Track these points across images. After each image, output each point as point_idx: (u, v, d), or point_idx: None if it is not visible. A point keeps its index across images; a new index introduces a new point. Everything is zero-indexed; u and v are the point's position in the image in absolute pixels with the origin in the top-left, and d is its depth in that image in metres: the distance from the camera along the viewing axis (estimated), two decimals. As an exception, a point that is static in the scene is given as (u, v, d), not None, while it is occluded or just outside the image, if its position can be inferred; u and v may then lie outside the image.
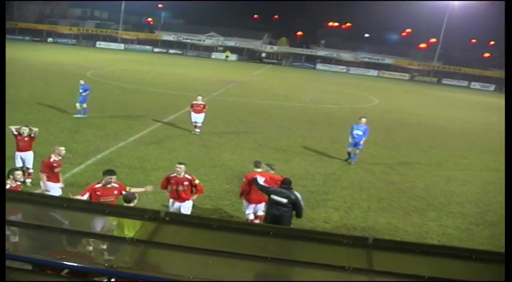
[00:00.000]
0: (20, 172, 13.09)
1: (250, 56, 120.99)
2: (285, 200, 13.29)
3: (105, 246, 7.50)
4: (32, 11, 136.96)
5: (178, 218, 8.00)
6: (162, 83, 51.54)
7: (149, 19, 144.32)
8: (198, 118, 28.39)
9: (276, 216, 13.18)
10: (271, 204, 13.43)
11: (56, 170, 15.30)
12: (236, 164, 22.25)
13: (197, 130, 28.27)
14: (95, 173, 18.92)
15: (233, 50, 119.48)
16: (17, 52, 76.94)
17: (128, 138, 25.20)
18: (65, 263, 6.60)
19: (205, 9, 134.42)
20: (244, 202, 15.24)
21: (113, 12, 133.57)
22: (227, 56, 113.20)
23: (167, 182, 14.58)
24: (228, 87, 54.58)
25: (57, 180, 15.35)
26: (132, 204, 11.44)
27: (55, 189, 14.81)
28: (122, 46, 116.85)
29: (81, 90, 30.60)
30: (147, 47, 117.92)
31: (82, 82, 31.16)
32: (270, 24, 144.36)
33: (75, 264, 6.56)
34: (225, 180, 19.68)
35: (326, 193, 19.67)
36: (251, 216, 14.99)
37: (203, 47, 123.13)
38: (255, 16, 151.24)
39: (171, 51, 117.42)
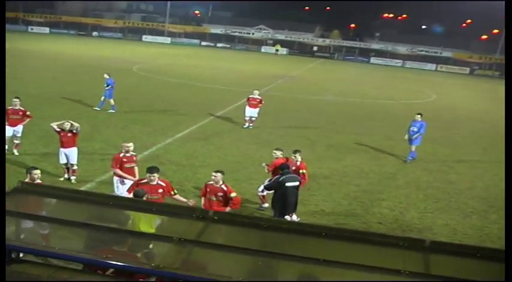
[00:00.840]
0: (38, 171, 12.90)
1: (301, 50, 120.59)
2: (297, 183, 14.72)
3: (152, 246, 7.59)
4: (77, 4, 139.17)
5: (227, 218, 8.03)
6: (210, 78, 51.83)
7: (196, 12, 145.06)
8: (252, 112, 28.78)
9: (295, 201, 14.68)
10: (288, 192, 14.38)
11: (127, 166, 15.28)
12: (286, 162, 22.25)
13: (250, 124, 28.71)
14: (140, 170, 19.12)
15: (283, 43, 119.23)
16: (61, 46, 78.47)
17: (175, 135, 25.46)
18: (111, 262, 6.71)
19: (254, 2, 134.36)
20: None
21: (159, 4, 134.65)
22: (277, 50, 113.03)
23: (205, 190, 13.74)
24: (278, 82, 54.56)
25: (133, 176, 15.29)
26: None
27: (128, 185, 14.71)
28: (168, 40, 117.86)
29: (105, 84, 31.05)
30: (195, 41, 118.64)
31: (106, 76, 31.52)
32: (321, 16, 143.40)
33: (122, 264, 6.67)
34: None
35: (380, 192, 19.53)
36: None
37: (252, 41, 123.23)
38: (306, 8, 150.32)
39: (219, 44, 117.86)
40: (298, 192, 14.90)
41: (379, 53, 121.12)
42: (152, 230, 7.80)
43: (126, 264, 6.65)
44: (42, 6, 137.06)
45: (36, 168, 13.12)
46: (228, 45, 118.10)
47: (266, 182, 15.49)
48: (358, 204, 17.97)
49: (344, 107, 41.53)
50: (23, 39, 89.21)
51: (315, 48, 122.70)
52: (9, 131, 19.96)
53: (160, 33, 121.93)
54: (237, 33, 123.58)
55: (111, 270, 7.13)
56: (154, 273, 6.44)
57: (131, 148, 15.55)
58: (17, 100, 20.42)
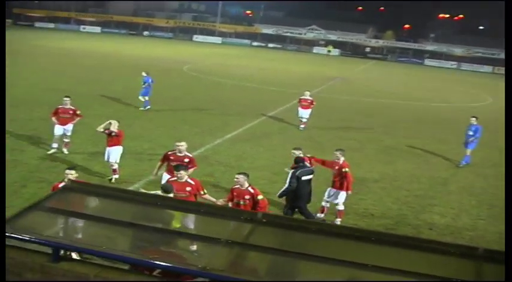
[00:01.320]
0: (73, 172, 12.71)
1: (353, 51, 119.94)
2: (311, 176, 15.47)
3: (199, 247, 7.65)
4: (129, 4, 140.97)
5: (275, 220, 8.04)
6: (260, 79, 51.93)
7: (248, 11, 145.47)
8: (304, 113, 28.94)
9: (307, 193, 15.31)
10: (304, 185, 15.06)
11: (173, 164, 15.32)
12: (336, 165, 22.14)
13: (302, 126, 28.74)
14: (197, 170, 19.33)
15: (335, 44, 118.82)
16: (113, 46, 79.61)
17: (224, 135, 25.58)
18: (158, 262, 6.79)
19: (307, 2, 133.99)
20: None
21: (210, 4, 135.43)
22: (329, 51, 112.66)
23: (232, 195, 13.33)
24: (330, 83, 54.37)
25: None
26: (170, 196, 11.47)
27: None
28: (219, 39, 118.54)
29: (142, 82, 31.48)
30: (246, 41, 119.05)
31: (144, 74, 31.94)
32: (375, 16, 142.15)
33: (168, 265, 6.74)
34: (324, 181, 19.59)
35: (432, 198, 19.30)
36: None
37: (304, 41, 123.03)
38: (359, 8, 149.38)
39: (270, 45, 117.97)
40: (311, 185, 15.50)
41: (434, 55, 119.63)
42: (200, 232, 7.85)
43: (172, 265, 6.71)
44: (94, 6, 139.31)
45: (72, 169, 13.06)
46: (280, 46, 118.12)
47: (284, 188, 15.40)
48: (409, 209, 17.79)
49: (396, 109, 41.14)
50: (74, 38, 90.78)
51: (368, 49, 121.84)
52: (59, 129, 20.33)
53: (211, 33, 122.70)
54: (288, 34, 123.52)
55: (158, 270, 7.22)
56: (200, 274, 6.48)
57: (182, 148, 15.47)
58: (68, 99, 20.78)
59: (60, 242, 7.18)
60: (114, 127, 18.04)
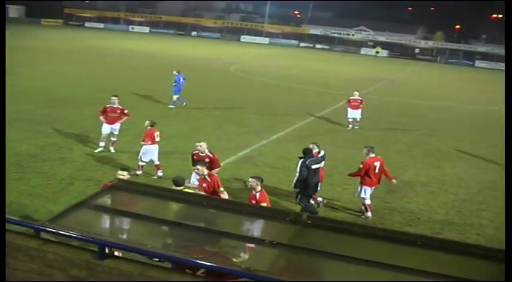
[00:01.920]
0: (125, 173, 12.56)
1: (402, 52, 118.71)
2: (320, 165, 16.15)
3: (243, 248, 7.68)
4: (177, 4, 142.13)
5: (320, 222, 8.02)
6: (307, 80, 51.84)
7: (296, 12, 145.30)
8: (355, 114, 29.01)
9: (317, 182, 15.95)
10: (313, 174, 15.60)
11: None
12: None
13: (353, 126, 29.16)
14: (234, 170, 19.37)
15: (384, 45, 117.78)
16: (161, 46, 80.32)
17: (270, 136, 25.60)
18: (202, 262, 6.83)
19: (355, 2, 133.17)
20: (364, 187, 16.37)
21: (258, 4, 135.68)
22: (377, 52, 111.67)
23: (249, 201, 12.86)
24: (377, 85, 53.98)
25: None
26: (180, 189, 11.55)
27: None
28: (266, 40, 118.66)
29: (173, 81, 31.82)
30: (293, 42, 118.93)
31: (175, 73, 32.18)
32: (425, 17, 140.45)
33: (212, 264, 6.78)
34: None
35: (480, 203, 18.98)
36: (368, 201, 16.37)
37: (351, 42, 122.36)
38: (409, 8, 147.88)
39: (318, 46, 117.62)
40: (319, 174, 16.17)
41: (485, 56, 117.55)
42: (244, 232, 7.87)
43: (216, 265, 6.74)
44: (143, 7, 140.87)
45: (125, 169, 13.02)
46: (327, 47, 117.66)
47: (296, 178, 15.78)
48: (456, 213, 17.54)
49: (444, 112, 40.60)
50: (123, 38, 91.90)
51: (417, 51, 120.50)
52: (106, 128, 20.61)
53: (259, 33, 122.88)
54: (336, 35, 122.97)
55: (202, 270, 7.26)
56: (244, 275, 6.49)
57: (201, 148, 15.61)
58: (115, 98, 21.03)
59: (106, 240, 7.28)
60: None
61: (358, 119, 29.16)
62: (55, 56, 55.30)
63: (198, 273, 7.30)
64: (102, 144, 20.69)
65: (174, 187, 11.74)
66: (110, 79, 36.56)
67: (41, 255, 7.40)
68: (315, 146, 16.84)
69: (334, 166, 21.35)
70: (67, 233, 7.42)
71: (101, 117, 20.70)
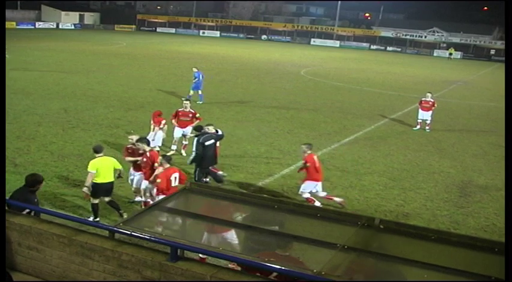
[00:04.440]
0: (132, 136, 15.38)
1: (476, 54, 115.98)
2: (213, 140, 17.05)
3: (315, 252, 7.64)
4: (247, 8, 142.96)
5: (393, 227, 7.93)
6: (379, 83, 51.32)
7: (367, 14, 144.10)
8: (425, 115, 28.78)
9: (212, 155, 17.03)
10: (208, 149, 16.72)
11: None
12: (457, 172, 21.49)
13: (421, 127, 28.65)
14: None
15: (457, 46, 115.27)
16: (231, 49, 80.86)
17: (341, 139, 25.45)
18: (273, 266, 6.83)
19: (428, 3, 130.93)
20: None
21: (329, 7, 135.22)
22: (450, 54, 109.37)
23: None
24: (451, 87, 52.98)
25: None
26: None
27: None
28: (337, 43, 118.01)
29: (193, 77, 33.20)
30: (364, 44, 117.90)
31: (195, 70, 33.55)
32: (502, 16, 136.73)
33: (283, 268, 6.77)
34: (444, 188, 19.15)
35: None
36: (306, 195, 16.25)
37: (424, 44, 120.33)
38: (485, 8, 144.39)
39: (389, 48, 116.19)
40: (215, 149, 17.18)
41: None
42: (316, 236, 7.84)
43: (288, 269, 6.74)
44: (214, 11, 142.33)
45: (131, 133, 14.17)
46: (399, 49, 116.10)
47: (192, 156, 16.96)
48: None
49: (522, 115, 39.47)
50: (194, 42, 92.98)
51: (493, 52, 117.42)
52: (178, 132, 20.86)
53: (329, 36, 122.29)
54: (408, 37, 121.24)
55: (275, 274, 7.26)
56: (316, 279, 6.46)
57: (132, 141, 15.69)
58: (187, 102, 21.28)
59: (179, 242, 7.37)
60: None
61: (427, 121, 28.76)
62: (128, 60, 56.36)
63: (271, 276, 7.31)
64: (173, 147, 20.96)
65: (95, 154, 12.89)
66: (182, 83, 36.96)
67: (115, 256, 7.55)
68: (211, 127, 17.49)
69: (406, 170, 21.08)
70: (141, 235, 7.55)
71: (173, 121, 20.96)
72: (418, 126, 28.84)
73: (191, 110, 21.09)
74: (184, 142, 21.02)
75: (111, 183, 14.15)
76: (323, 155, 22.42)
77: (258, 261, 6.97)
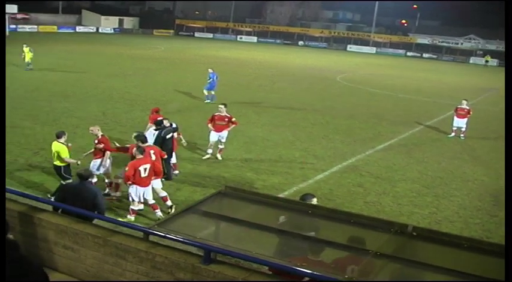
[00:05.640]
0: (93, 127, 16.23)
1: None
2: (172, 133, 18.09)
3: (347, 257, 7.59)
4: (284, 13, 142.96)
5: (426, 234, 7.85)
6: (414, 89, 50.89)
7: (403, 21, 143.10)
8: (460, 123, 28.53)
9: (171, 148, 17.81)
10: (167, 142, 17.51)
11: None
12: (490, 180, 21.19)
13: (456, 134, 28.33)
14: (339, 180, 19.26)
15: (494, 54, 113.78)
16: (268, 55, 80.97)
17: (376, 146, 25.29)
18: (304, 270, 6.80)
19: (465, 9, 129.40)
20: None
21: (365, 14, 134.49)
22: (487, 61, 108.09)
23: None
24: (486, 95, 52.33)
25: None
26: None
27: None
28: (373, 49, 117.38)
29: (208, 78, 34.36)
30: (400, 51, 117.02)
31: (210, 71, 34.90)
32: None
33: (315, 273, 6.74)
34: (477, 197, 18.92)
35: None
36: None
37: (460, 51, 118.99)
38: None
39: (425, 55, 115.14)
40: (172, 142, 18.14)
41: None
42: (349, 242, 7.79)
43: (320, 274, 6.71)
44: (251, 17, 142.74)
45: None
46: (435, 56, 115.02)
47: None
48: None
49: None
50: (232, 48, 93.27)
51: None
52: (214, 136, 20.90)
53: (365, 43, 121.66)
54: (444, 44, 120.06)
55: (307, 279, 7.22)
56: (347, 285, 6.44)
57: (93, 132, 16.29)
58: (223, 106, 21.31)
59: (212, 245, 7.38)
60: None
61: (462, 129, 28.46)
62: (165, 65, 56.78)
63: (303, 281, 7.28)
64: (209, 151, 21.00)
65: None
66: (219, 87, 37.15)
67: (149, 257, 7.60)
68: (166, 121, 18.33)
69: (440, 177, 20.87)
70: (174, 237, 7.59)
71: (209, 125, 20.99)
72: (453, 134, 28.55)
73: (227, 114, 21.09)
74: (220, 146, 21.02)
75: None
76: (357, 161, 22.33)
77: (290, 265, 6.95)
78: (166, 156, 16.70)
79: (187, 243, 7.56)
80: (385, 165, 21.97)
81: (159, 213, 14.51)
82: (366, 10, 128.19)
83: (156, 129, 18.18)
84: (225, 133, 20.98)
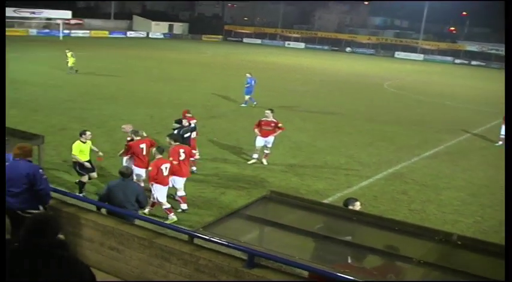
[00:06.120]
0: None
1: None
2: (190, 133, 18.43)
3: (389, 264, 7.54)
4: (332, 20, 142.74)
5: (471, 243, 7.73)
6: (462, 97, 50.23)
7: (452, 28, 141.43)
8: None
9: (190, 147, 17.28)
10: (186, 141, 17.38)
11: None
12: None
13: (500, 142, 27.74)
14: (384, 187, 19.10)
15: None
16: (316, 61, 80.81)
17: (421, 153, 25.00)
18: (348, 277, 6.77)
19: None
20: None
21: (413, 20, 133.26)
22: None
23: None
24: (536, 103, 51.32)
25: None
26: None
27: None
28: (421, 56, 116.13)
29: (246, 83, 34.68)
30: (448, 58, 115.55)
31: (248, 75, 35.20)
32: None
33: (357, 280, 6.70)
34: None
35: None
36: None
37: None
38: None
39: (474, 62, 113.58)
40: (190, 141, 18.13)
41: None
42: (391, 249, 7.73)
43: (360, 281, 6.68)
44: (299, 23, 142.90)
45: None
46: (483, 63, 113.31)
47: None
48: None
49: None
50: (279, 53, 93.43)
51: None
52: (260, 141, 20.87)
53: (413, 49, 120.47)
54: (493, 51, 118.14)
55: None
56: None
57: (125, 130, 16.86)
58: (270, 112, 21.28)
59: (256, 249, 7.39)
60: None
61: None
62: (213, 69, 57.11)
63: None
64: (255, 156, 21.01)
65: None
66: (266, 92, 37.21)
67: (193, 260, 7.65)
68: (185, 121, 18.81)
69: (485, 186, 20.52)
70: (219, 241, 7.61)
71: (256, 130, 20.97)
72: (501, 142, 28.01)
73: (273, 120, 21.05)
74: (265, 151, 21.00)
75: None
76: (402, 168, 22.11)
77: (333, 271, 6.93)
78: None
79: (231, 246, 7.60)
80: (430, 173, 21.70)
81: (185, 206, 15.04)
82: (415, 17, 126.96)
83: (174, 129, 18.63)
84: (271, 138, 20.95)
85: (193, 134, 18.74)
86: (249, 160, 21.04)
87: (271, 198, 9.42)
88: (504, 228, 7.09)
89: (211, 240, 7.68)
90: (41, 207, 9.03)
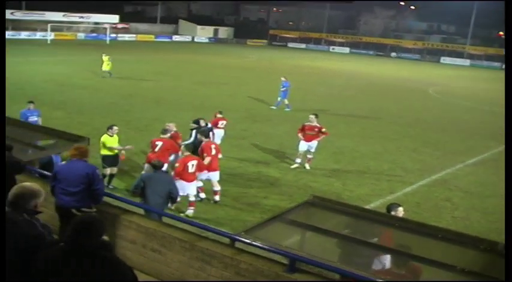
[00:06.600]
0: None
1: None
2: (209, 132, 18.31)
3: (432, 272, 7.46)
4: (378, 25, 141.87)
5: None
6: (508, 104, 49.37)
7: (500, 33, 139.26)
8: None
9: None
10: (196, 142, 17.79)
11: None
12: None
13: None
14: (427, 194, 18.88)
15: None
16: (361, 66, 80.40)
17: (466, 160, 24.65)
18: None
19: None
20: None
21: (461, 25, 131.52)
22: None
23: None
24: None
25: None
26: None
27: None
28: (467, 62, 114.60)
29: (281, 86, 34.81)
30: (495, 64, 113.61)
31: (283, 79, 35.00)
32: None
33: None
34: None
35: None
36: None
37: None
38: None
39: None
40: None
41: None
42: (435, 257, 7.64)
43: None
44: (344, 27, 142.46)
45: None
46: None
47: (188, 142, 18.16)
48: None
49: None
50: (324, 58, 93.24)
51: None
52: (303, 145, 20.81)
53: (460, 55, 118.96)
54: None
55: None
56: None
57: (169, 128, 17.15)
58: (313, 116, 21.18)
59: (298, 254, 7.37)
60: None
61: None
62: (257, 74, 57.27)
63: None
64: (298, 160, 20.95)
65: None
66: (310, 97, 37.20)
67: (234, 263, 7.66)
68: (202, 121, 19.29)
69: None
70: (260, 245, 7.61)
71: (299, 135, 20.91)
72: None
73: (317, 124, 20.94)
74: (308, 156, 20.95)
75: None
76: (446, 174, 21.84)
77: (374, 278, 6.87)
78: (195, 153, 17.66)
79: (272, 251, 7.59)
80: (475, 180, 21.38)
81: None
82: (462, 21, 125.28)
83: (193, 129, 18.88)
84: (314, 143, 20.87)
85: (210, 134, 18.51)
86: (291, 164, 21.01)
87: (314, 203, 9.39)
88: (504, 228, 6.95)
89: (252, 244, 7.68)
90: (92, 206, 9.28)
